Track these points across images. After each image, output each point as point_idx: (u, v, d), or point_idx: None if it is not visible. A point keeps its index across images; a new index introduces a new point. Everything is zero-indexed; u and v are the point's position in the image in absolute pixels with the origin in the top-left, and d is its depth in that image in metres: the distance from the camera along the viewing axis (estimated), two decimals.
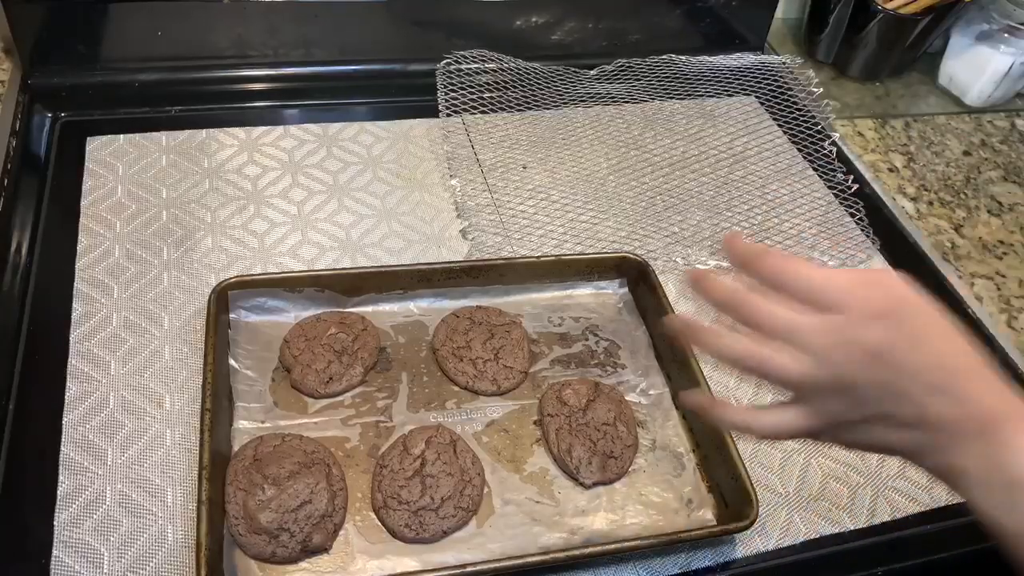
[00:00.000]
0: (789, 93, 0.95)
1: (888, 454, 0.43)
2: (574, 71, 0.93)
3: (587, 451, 0.58)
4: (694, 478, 0.59)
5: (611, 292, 0.71)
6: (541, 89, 0.91)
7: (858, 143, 0.97)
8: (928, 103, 1.07)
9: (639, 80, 0.94)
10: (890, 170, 0.94)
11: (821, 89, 0.93)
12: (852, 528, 0.59)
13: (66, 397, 0.58)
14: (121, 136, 0.78)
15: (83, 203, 0.72)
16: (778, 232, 0.80)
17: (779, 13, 1.08)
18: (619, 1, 0.96)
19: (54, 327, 0.62)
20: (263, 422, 0.58)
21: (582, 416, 0.60)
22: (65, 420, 0.57)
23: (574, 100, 0.91)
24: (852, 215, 0.82)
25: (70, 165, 0.75)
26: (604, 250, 0.74)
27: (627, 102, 0.92)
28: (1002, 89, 1.04)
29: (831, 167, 0.86)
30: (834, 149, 0.88)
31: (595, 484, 0.58)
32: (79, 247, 0.68)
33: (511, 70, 0.91)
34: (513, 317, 0.67)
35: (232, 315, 0.63)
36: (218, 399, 0.55)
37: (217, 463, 0.53)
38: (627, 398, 0.63)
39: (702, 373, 0.61)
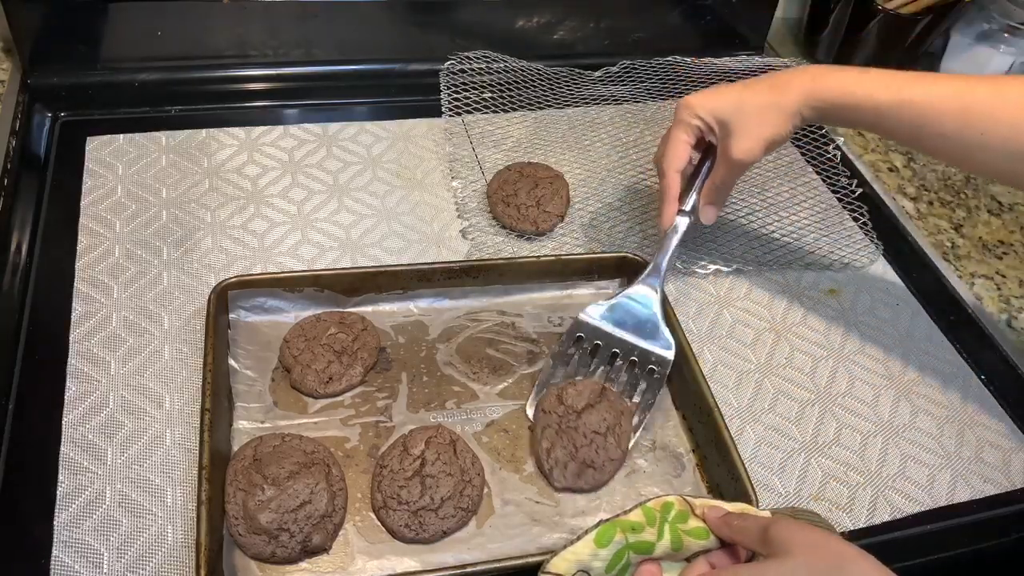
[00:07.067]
0: None
1: None
2: (577, 72, 0.93)
3: (566, 455, 0.57)
4: (694, 478, 0.59)
5: (611, 292, 0.71)
6: (544, 90, 0.91)
7: (858, 143, 0.97)
8: None
9: (643, 82, 0.94)
10: (890, 170, 0.94)
11: None
12: (852, 528, 0.59)
13: (66, 397, 0.58)
14: (121, 136, 0.78)
15: (83, 203, 0.72)
16: (778, 233, 0.80)
17: (779, 13, 1.08)
18: (620, 1, 0.96)
19: (54, 327, 0.62)
20: (263, 422, 0.58)
21: (575, 419, 0.59)
22: (65, 420, 0.57)
23: (576, 101, 0.91)
24: (855, 219, 0.82)
25: (70, 165, 0.75)
26: (604, 250, 0.74)
27: (629, 103, 0.92)
28: None
29: (835, 170, 0.86)
30: (838, 153, 0.87)
31: (565, 489, 0.57)
32: (79, 247, 0.68)
33: (514, 71, 0.91)
34: (557, 172, 0.78)
35: (232, 315, 0.63)
36: (218, 399, 0.55)
37: (217, 463, 0.52)
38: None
39: (702, 373, 0.61)
